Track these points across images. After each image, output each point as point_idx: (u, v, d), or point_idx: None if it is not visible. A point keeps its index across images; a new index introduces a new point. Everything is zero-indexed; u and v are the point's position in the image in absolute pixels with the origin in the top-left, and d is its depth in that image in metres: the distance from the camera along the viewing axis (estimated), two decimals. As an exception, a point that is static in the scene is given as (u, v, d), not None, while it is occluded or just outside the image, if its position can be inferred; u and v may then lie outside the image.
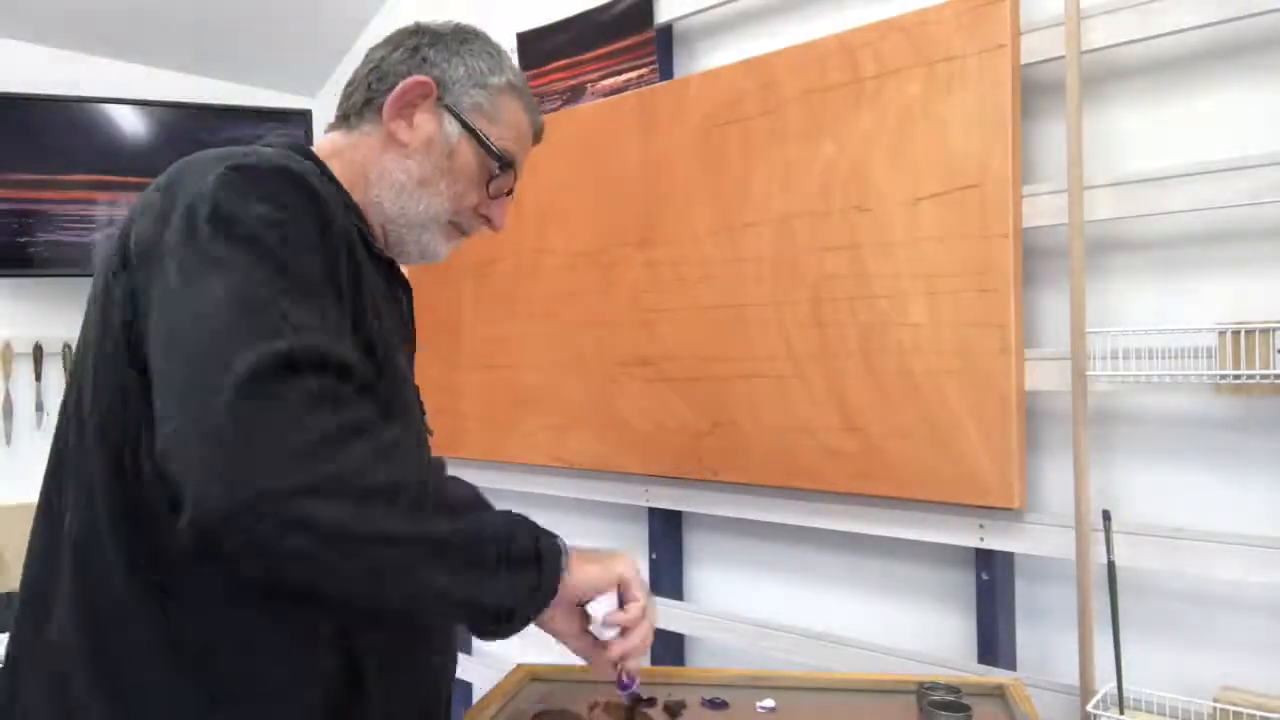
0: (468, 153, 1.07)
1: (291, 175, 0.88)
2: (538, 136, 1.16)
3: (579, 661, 1.06)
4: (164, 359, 0.80)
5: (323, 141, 1.10)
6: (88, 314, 0.92)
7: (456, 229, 1.12)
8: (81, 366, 0.92)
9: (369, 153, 1.07)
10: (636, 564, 1.03)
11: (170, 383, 0.78)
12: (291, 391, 0.75)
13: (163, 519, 0.82)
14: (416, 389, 1.11)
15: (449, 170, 1.07)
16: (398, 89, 1.05)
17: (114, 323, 0.86)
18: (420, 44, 1.08)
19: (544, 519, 2.32)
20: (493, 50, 1.11)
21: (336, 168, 1.05)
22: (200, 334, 0.78)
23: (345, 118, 1.09)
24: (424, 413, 1.14)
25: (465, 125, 1.06)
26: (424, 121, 1.06)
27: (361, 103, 1.08)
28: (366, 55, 1.11)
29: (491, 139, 1.07)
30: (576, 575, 0.97)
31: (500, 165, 1.08)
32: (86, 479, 0.88)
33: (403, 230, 1.08)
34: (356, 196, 1.05)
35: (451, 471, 2.27)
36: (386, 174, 1.06)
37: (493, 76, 1.08)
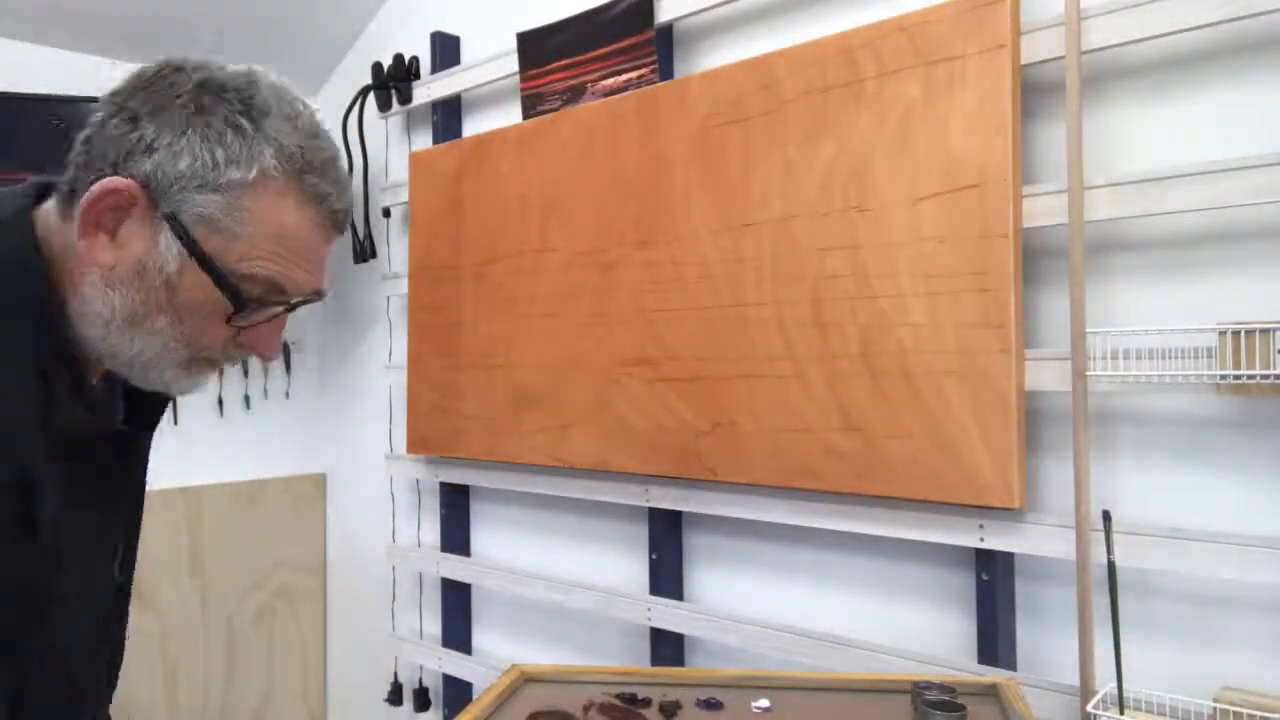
0: (194, 284, 0.79)
1: None
2: (340, 226, 0.87)
3: (575, 662, 1.05)
4: None
5: (47, 211, 0.83)
6: None
7: (208, 363, 0.86)
8: None
9: (74, 265, 0.80)
10: None
11: None
12: None
13: None
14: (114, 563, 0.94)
15: (169, 305, 0.79)
16: (90, 194, 0.76)
17: None
18: (139, 110, 0.78)
19: (544, 519, 2.33)
20: (255, 114, 0.79)
21: (54, 260, 0.81)
22: None
23: (71, 192, 0.80)
24: (116, 592, 0.96)
25: (188, 246, 0.77)
26: (133, 235, 0.78)
27: (68, 188, 0.80)
28: (103, 98, 0.82)
29: (230, 262, 0.79)
30: None
31: (237, 304, 0.80)
32: None
33: (125, 369, 0.83)
34: (71, 308, 0.81)
35: (450, 472, 2.27)
36: (87, 304, 0.79)
37: (232, 169, 0.77)
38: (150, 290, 0.79)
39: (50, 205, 0.82)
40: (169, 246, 0.78)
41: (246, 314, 0.82)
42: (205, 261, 0.78)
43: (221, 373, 2.93)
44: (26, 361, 0.77)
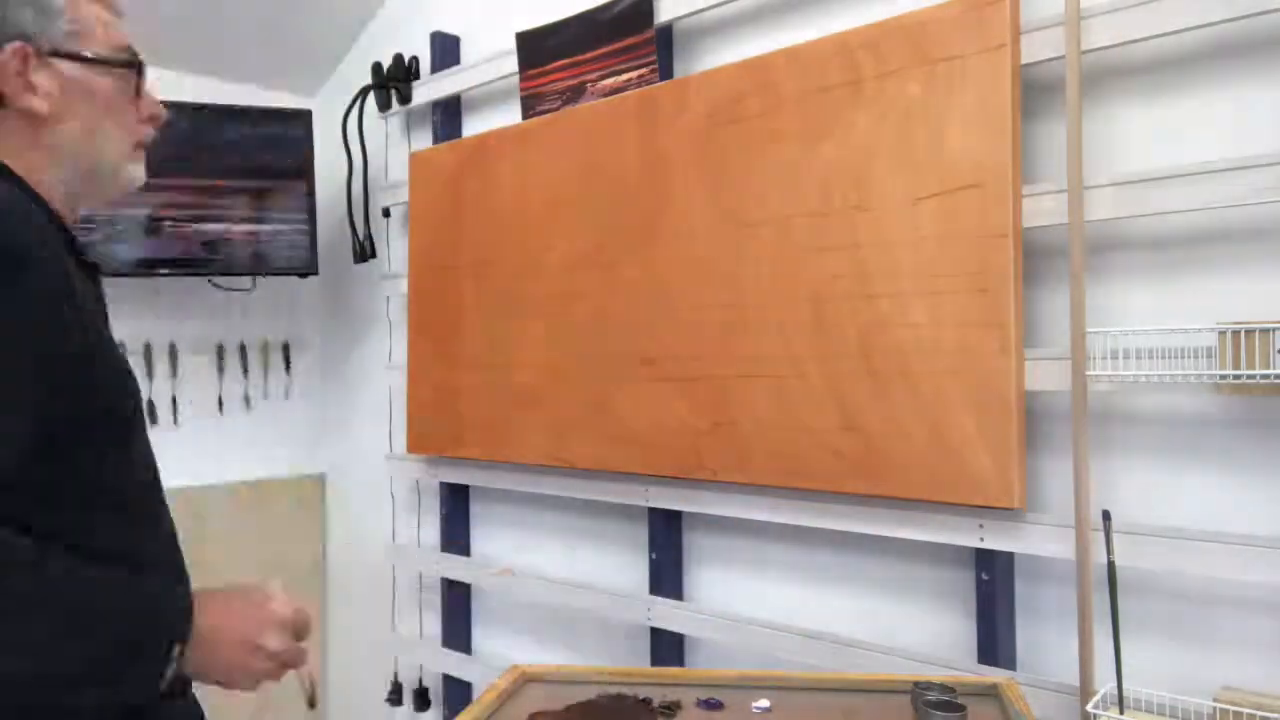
0: (102, 81, 1.02)
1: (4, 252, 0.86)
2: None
3: (575, 662, 1.05)
4: None
5: None
6: None
7: (139, 149, 1.08)
8: None
9: (20, 140, 0.99)
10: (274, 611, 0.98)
11: None
12: None
13: None
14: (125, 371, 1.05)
15: (101, 107, 1.02)
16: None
17: None
18: None
19: (544, 519, 2.32)
20: None
21: (38, 176, 1.00)
22: None
23: None
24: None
25: (79, 59, 1.00)
26: (45, 81, 0.98)
27: None
28: None
29: (105, 50, 1.02)
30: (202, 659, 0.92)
31: (136, 67, 1.05)
32: None
33: (100, 186, 1.05)
34: (55, 190, 1.00)
35: (450, 472, 2.26)
36: (57, 151, 1.00)
37: None
38: (84, 105, 1.00)
39: None
40: (70, 69, 0.99)
41: (141, 79, 1.06)
42: (100, 59, 1.01)
43: (221, 371, 2.93)
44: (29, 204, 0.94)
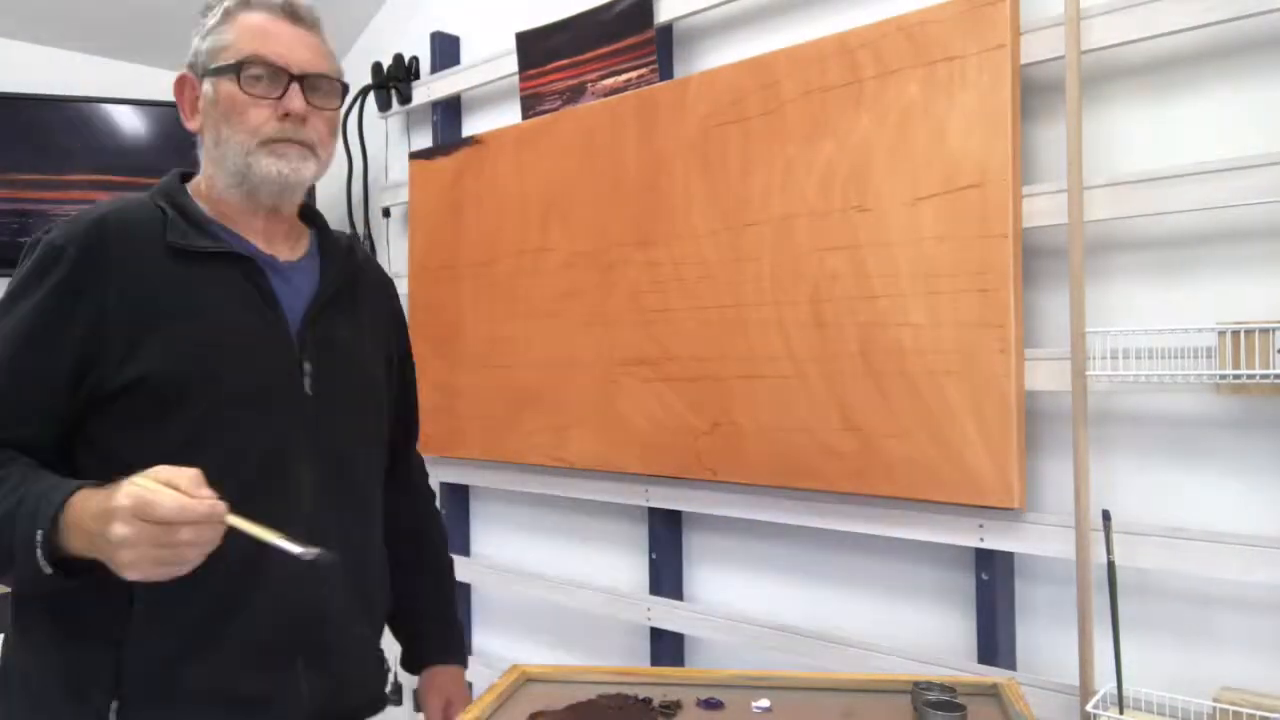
0: (222, 86, 1.14)
1: (48, 249, 1.08)
2: (286, 9, 1.17)
3: (575, 662, 1.06)
4: None
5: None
6: None
7: (279, 143, 1.15)
8: None
9: (205, 153, 1.20)
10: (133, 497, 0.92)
11: None
12: None
13: None
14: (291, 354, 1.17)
15: (222, 115, 1.14)
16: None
17: None
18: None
19: (544, 519, 2.32)
20: None
21: (201, 180, 1.21)
22: None
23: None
24: (297, 373, 1.18)
25: (206, 73, 1.15)
26: (198, 102, 1.18)
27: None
28: None
29: (226, 59, 1.14)
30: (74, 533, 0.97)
31: (237, 69, 1.12)
32: None
33: (246, 176, 1.15)
34: (214, 193, 1.19)
35: (450, 472, 2.28)
36: (205, 157, 1.19)
37: (209, 17, 1.17)
38: (210, 118, 1.15)
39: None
40: (205, 84, 1.15)
41: (251, 80, 1.13)
42: (212, 69, 1.14)
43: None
44: (153, 207, 1.15)
